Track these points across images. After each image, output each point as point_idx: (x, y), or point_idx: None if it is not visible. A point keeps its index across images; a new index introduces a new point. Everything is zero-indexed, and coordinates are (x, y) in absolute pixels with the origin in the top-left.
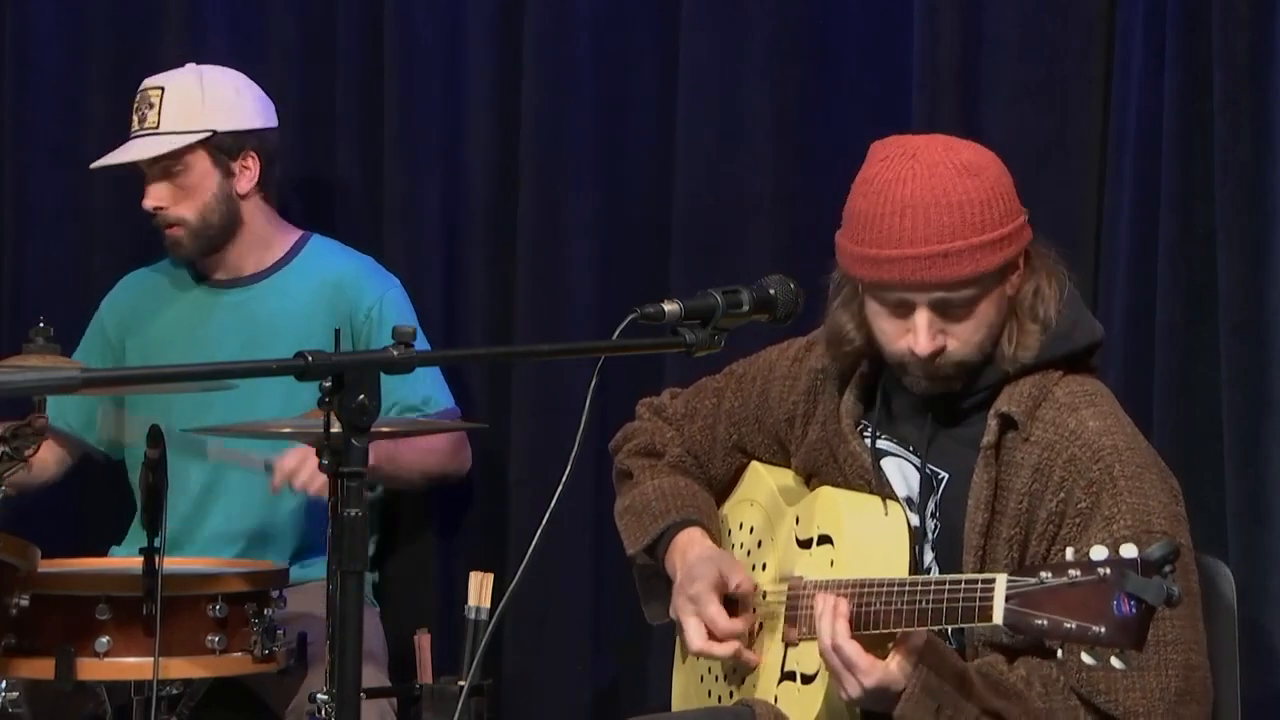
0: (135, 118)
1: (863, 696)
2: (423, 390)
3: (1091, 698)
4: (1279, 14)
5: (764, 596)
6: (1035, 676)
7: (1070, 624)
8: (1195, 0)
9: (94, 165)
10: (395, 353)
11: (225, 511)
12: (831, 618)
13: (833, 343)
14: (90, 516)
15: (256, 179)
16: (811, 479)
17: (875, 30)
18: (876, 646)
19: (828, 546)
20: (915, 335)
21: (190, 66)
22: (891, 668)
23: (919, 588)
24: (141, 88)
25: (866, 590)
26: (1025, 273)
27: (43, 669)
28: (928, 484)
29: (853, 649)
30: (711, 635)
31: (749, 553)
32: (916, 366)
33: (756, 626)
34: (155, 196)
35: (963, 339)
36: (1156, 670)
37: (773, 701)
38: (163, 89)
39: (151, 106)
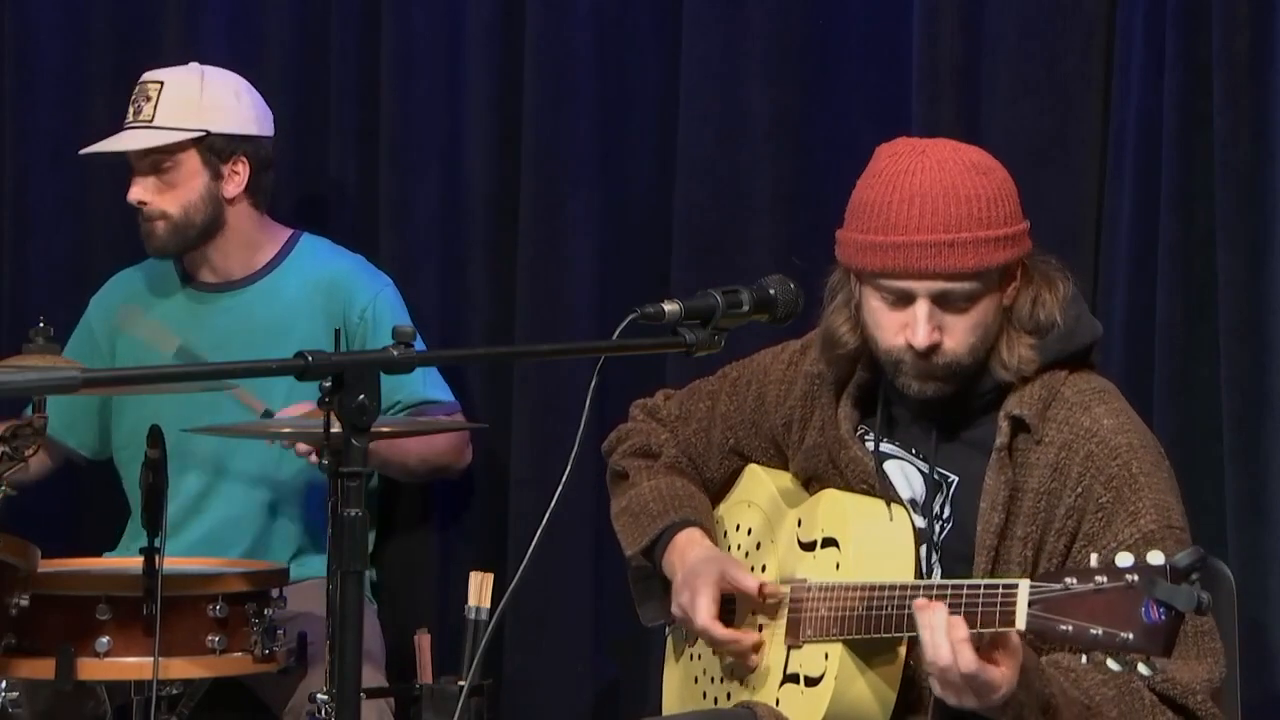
0: (131, 109)
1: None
2: (422, 390)
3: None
4: (1279, 14)
5: (763, 599)
6: (1090, 664)
7: (1097, 630)
8: (1195, 0)
9: (84, 151)
10: (395, 353)
11: (225, 512)
12: (950, 642)
13: (827, 346)
14: (89, 516)
15: (245, 185)
16: (811, 483)
17: (875, 30)
18: (886, 650)
19: (833, 549)
20: (913, 327)
21: (193, 65)
22: (1000, 675)
23: (935, 593)
24: (141, 80)
25: (878, 594)
26: (1022, 284)
27: (43, 669)
28: (935, 485)
29: (983, 671)
30: (710, 634)
31: (747, 554)
32: (910, 364)
33: (757, 628)
34: (140, 190)
35: (958, 337)
36: (1199, 658)
37: (774, 704)
38: (162, 83)
39: (149, 99)
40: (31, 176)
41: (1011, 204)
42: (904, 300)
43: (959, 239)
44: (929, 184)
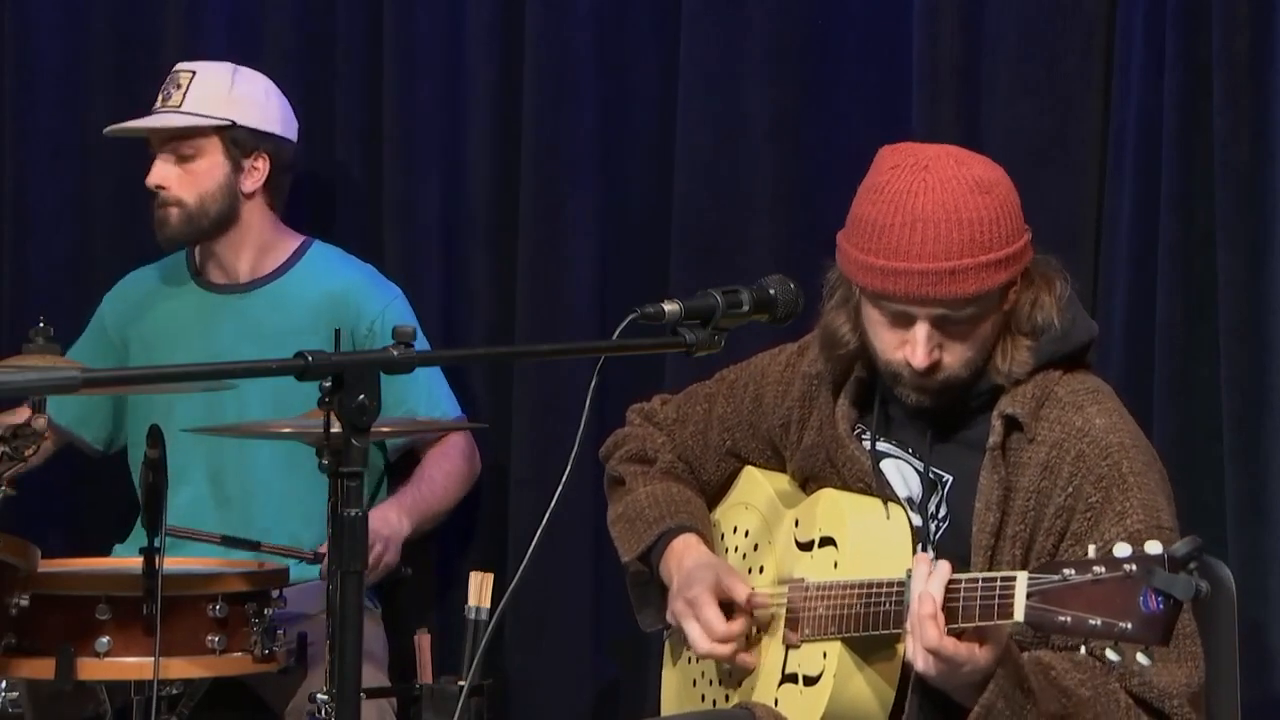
0: (160, 96)
1: (936, 678)
2: (437, 403)
3: (1125, 680)
4: (1279, 14)
5: (750, 609)
6: (1070, 663)
7: (1095, 620)
8: (1195, 0)
9: (108, 130)
10: (395, 353)
11: (240, 515)
12: (936, 572)
13: (826, 345)
14: (90, 516)
15: (263, 181)
16: (808, 483)
17: (875, 30)
18: (884, 648)
19: (830, 548)
20: (913, 347)
21: (228, 64)
22: (981, 660)
23: None
24: (175, 69)
25: (876, 590)
26: (1022, 287)
27: (43, 669)
28: (930, 485)
29: (951, 646)
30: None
31: (744, 556)
32: (909, 378)
33: (754, 629)
34: (160, 175)
35: (958, 355)
36: (1179, 661)
37: (773, 704)
38: (194, 73)
39: (179, 87)
40: (31, 176)
41: (1014, 220)
42: (904, 319)
43: (960, 266)
44: (931, 207)
